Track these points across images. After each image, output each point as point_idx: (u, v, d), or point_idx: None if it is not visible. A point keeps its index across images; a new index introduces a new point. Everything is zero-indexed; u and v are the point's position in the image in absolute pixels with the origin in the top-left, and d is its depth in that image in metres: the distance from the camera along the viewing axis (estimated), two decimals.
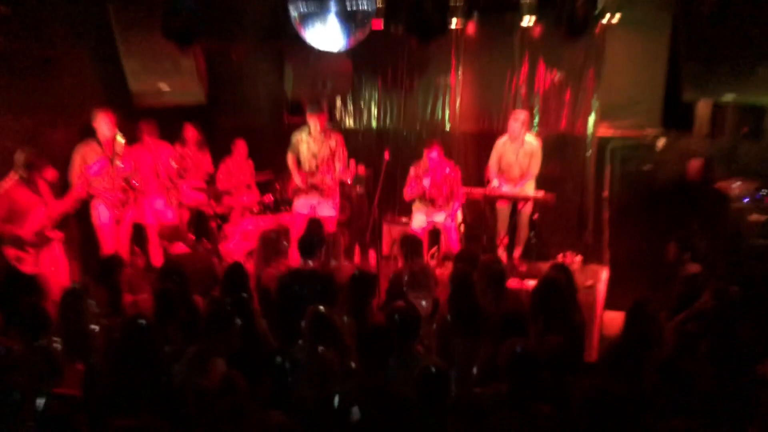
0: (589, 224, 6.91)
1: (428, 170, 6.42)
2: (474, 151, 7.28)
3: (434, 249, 6.85)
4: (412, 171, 6.49)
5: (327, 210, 6.43)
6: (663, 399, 2.98)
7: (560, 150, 6.89)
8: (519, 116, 6.41)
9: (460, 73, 7.21)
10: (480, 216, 7.01)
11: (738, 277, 5.32)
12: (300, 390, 3.50)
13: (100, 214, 5.93)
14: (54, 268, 5.38)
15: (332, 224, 6.49)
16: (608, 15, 5.99)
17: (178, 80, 6.15)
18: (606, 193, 6.62)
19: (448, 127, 7.42)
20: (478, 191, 6.53)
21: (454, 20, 6.30)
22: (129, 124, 6.23)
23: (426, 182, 6.36)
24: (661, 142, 6.20)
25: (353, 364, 3.71)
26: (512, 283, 5.71)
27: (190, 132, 6.94)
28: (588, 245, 6.89)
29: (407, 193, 6.55)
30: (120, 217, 6.01)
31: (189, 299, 4.48)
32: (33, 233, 5.21)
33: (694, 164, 6.09)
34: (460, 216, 6.87)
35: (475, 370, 3.63)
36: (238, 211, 7.06)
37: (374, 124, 7.70)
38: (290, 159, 6.44)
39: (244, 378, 3.13)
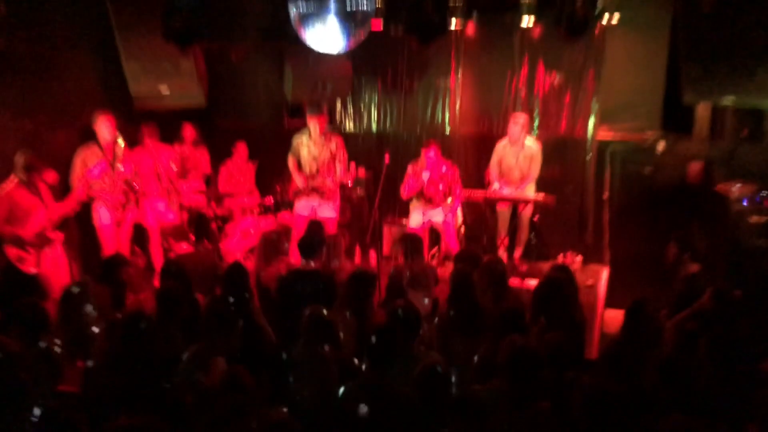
0: (590, 225, 6.91)
1: (426, 168, 6.41)
2: (474, 153, 7.29)
3: (434, 249, 6.86)
4: (409, 169, 6.49)
5: (327, 212, 6.44)
6: (663, 397, 2.98)
7: (560, 153, 6.89)
8: (519, 119, 6.41)
9: (459, 74, 7.22)
10: (480, 218, 7.02)
11: (737, 277, 5.35)
12: (300, 389, 3.50)
13: (101, 216, 5.94)
14: (55, 269, 5.39)
15: (333, 226, 6.49)
16: (607, 15, 5.99)
17: (178, 82, 6.15)
18: (606, 195, 6.63)
19: (448, 129, 7.43)
20: (478, 193, 6.53)
21: (454, 21, 6.30)
22: (129, 126, 6.24)
23: (425, 175, 6.32)
24: (661, 146, 6.21)
25: (356, 361, 3.73)
26: (513, 282, 5.72)
27: (188, 131, 6.95)
28: (588, 245, 6.89)
29: (404, 191, 6.53)
30: (121, 219, 6.01)
31: (191, 298, 4.49)
32: (34, 234, 5.22)
33: (694, 167, 6.10)
34: (460, 217, 6.88)
35: (474, 367, 3.63)
36: (238, 212, 7.07)
37: (374, 126, 7.70)
38: (291, 162, 6.45)
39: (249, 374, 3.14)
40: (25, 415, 3.14)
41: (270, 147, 7.35)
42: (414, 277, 5.18)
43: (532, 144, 6.49)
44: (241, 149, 7.16)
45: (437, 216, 6.53)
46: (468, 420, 2.81)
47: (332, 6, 4.68)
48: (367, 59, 7.12)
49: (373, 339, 3.33)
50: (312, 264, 4.84)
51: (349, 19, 4.75)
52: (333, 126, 7.53)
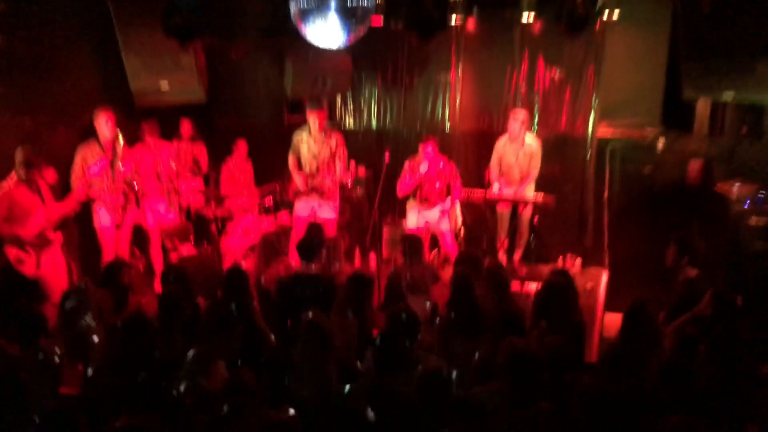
0: (589, 226, 6.90)
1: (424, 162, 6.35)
2: (474, 150, 7.26)
3: (434, 252, 6.85)
4: (406, 165, 6.42)
5: (327, 212, 6.43)
6: (663, 398, 2.98)
7: (560, 150, 6.86)
8: (519, 115, 6.39)
9: (460, 70, 7.19)
10: (480, 219, 7.01)
11: (737, 280, 5.34)
12: (299, 389, 3.51)
13: (101, 217, 5.93)
14: (54, 271, 5.37)
15: (332, 228, 6.49)
16: (607, 12, 5.97)
17: (178, 78, 6.14)
18: (606, 195, 6.63)
19: (448, 126, 7.41)
20: (478, 195, 6.52)
21: (454, 16, 6.27)
22: (130, 123, 6.21)
23: (423, 167, 6.22)
24: (660, 142, 6.20)
25: (357, 363, 3.74)
26: (513, 286, 5.71)
27: (185, 126, 6.95)
28: (588, 248, 6.88)
29: (400, 188, 6.44)
30: (120, 220, 6.00)
31: (192, 302, 4.50)
32: (33, 234, 5.20)
33: (694, 165, 6.09)
34: (460, 219, 6.87)
35: (474, 368, 3.63)
36: (238, 211, 7.05)
37: (374, 123, 7.65)
38: (291, 160, 6.45)
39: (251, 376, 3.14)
40: (26, 418, 3.15)
41: (270, 143, 7.33)
42: (413, 279, 5.19)
43: (532, 141, 6.47)
44: (241, 147, 7.15)
45: (433, 216, 6.46)
46: (468, 421, 2.81)
47: (332, 2, 4.67)
48: (367, 54, 7.07)
49: (374, 343, 3.33)
50: (312, 267, 4.84)
51: (349, 15, 4.74)
52: (333, 123, 7.52)
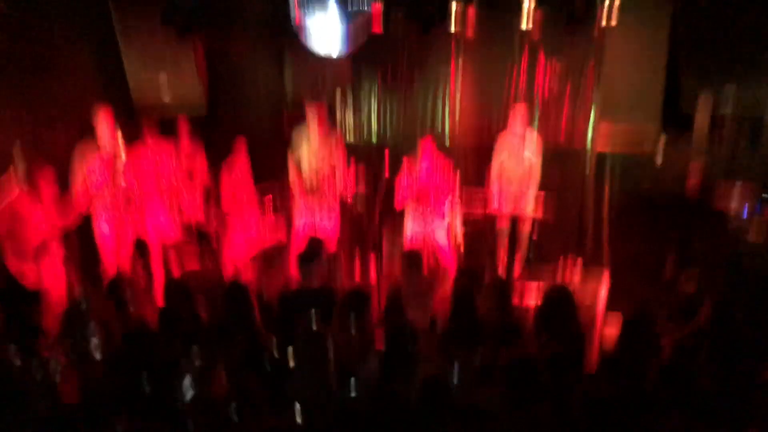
0: (589, 236, 6.92)
1: (422, 160, 6.34)
2: (474, 147, 7.26)
3: (433, 263, 6.84)
4: (405, 162, 6.39)
5: (327, 223, 6.45)
6: (663, 398, 2.98)
7: (560, 161, 6.86)
8: (519, 111, 6.42)
9: (459, 66, 7.19)
10: (480, 234, 7.03)
11: (736, 293, 5.35)
12: (296, 395, 3.51)
13: (101, 227, 5.92)
14: (54, 282, 5.37)
15: (333, 243, 6.51)
16: (608, 8, 6.03)
17: (177, 76, 6.17)
18: (605, 210, 6.66)
19: (447, 127, 7.45)
20: (478, 211, 6.55)
21: (454, 8, 6.32)
22: (129, 122, 6.21)
23: (421, 164, 6.24)
24: (661, 141, 6.20)
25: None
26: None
27: (183, 126, 6.90)
28: (587, 264, 6.89)
29: (398, 188, 6.39)
30: (121, 230, 5.99)
31: (195, 316, 4.50)
32: (35, 245, 5.21)
33: (694, 179, 6.11)
34: (459, 234, 6.87)
35: (473, 373, 3.63)
36: (239, 222, 7.02)
37: (374, 122, 7.68)
38: (291, 162, 6.46)
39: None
40: (25, 427, 3.15)
41: (269, 141, 7.30)
42: (413, 293, 5.19)
43: (532, 142, 6.47)
44: (240, 149, 7.08)
45: (433, 222, 6.45)
46: (468, 425, 2.82)
47: (333, 8, 4.72)
48: (367, 52, 7.03)
49: (374, 356, 3.35)
50: (312, 279, 4.86)
51: (350, 22, 4.80)
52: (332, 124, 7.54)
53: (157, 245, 6.48)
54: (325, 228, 6.45)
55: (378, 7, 5.92)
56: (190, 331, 4.16)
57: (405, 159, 6.42)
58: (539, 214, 6.33)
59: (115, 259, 5.98)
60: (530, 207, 6.53)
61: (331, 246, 6.40)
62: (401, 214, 6.79)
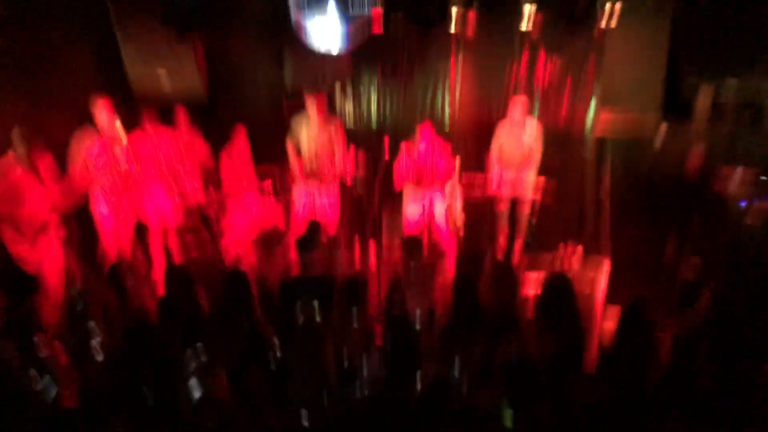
0: (588, 223, 6.91)
1: (420, 141, 6.35)
2: (474, 135, 7.22)
3: (432, 249, 6.84)
4: (403, 146, 6.39)
5: (327, 205, 6.44)
6: (663, 398, 3.00)
7: (560, 146, 6.83)
8: (519, 101, 6.40)
9: (459, 62, 7.18)
10: (479, 218, 7.02)
11: (737, 279, 5.36)
12: (297, 391, 3.52)
13: (101, 208, 5.88)
14: (53, 264, 5.34)
15: (332, 226, 6.50)
16: (609, 5, 5.97)
17: (175, 65, 6.14)
18: (605, 195, 6.63)
19: (447, 117, 7.42)
20: (477, 194, 6.53)
21: (455, 10, 6.29)
22: (128, 110, 6.14)
23: (420, 147, 6.25)
24: (662, 128, 6.17)
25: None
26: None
27: (182, 114, 6.92)
28: (587, 252, 6.89)
29: (397, 170, 6.42)
30: (121, 214, 5.95)
31: (195, 305, 4.50)
32: (35, 227, 5.17)
33: (693, 163, 6.09)
34: (459, 218, 6.86)
35: (473, 370, 3.65)
36: (239, 205, 7.00)
37: (374, 111, 7.66)
38: (290, 146, 6.45)
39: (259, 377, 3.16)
40: (26, 422, 3.16)
41: (269, 129, 7.19)
42: (413, 279, 5.20)
43: (532, 124, 6.45)
44: (240, 134, 7.04)
45: (432, 200, 6.46)
46: (469, 424, 2.83)
47: (332, 10, 4.70)
48: (367, 50, 7.05)
49: (375, 345, 3.35)
50: (312, 264, 4.85)
51: (349, 23, 4.77)
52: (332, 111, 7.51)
53: (157, 229, 6.46)
54: (325, 211, 6.43)
55: (378, 9, 5.85)
56: (191, 323, 4.16)
57: (403, 143, 6.39)
58: (539, 197, 6.31)
59: (115, 243, 5.95)
60: (530, 190, 6.51)
61: (331, 229, 6.40)
62: (400, 197, 6.79)
